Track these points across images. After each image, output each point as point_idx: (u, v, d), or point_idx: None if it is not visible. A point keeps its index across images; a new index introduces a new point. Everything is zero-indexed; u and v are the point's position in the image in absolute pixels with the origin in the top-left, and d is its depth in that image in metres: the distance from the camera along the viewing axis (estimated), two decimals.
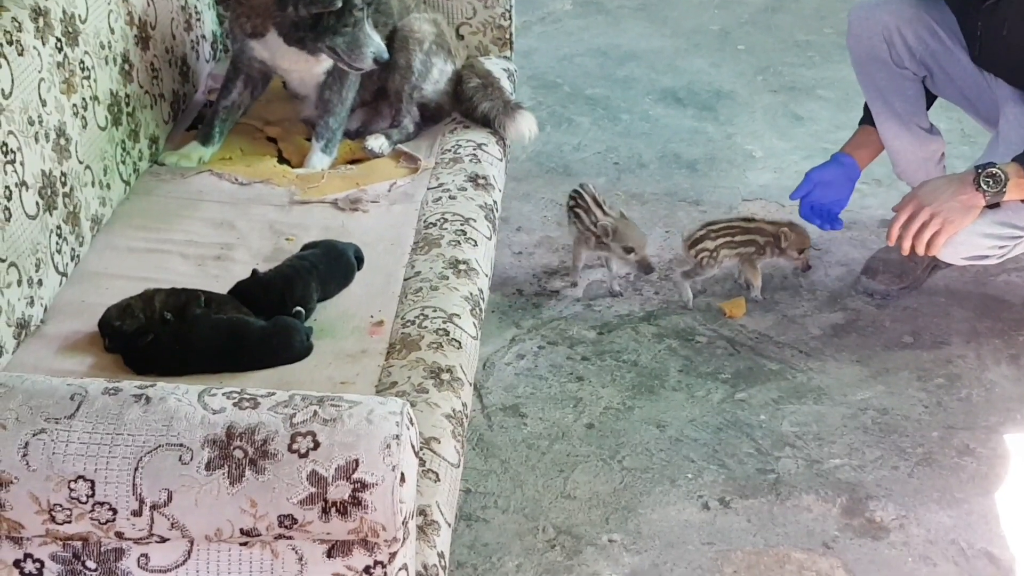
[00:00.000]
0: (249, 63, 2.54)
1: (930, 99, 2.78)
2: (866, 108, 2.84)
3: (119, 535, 1.33)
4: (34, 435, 1.31)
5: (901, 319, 2.73)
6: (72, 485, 1.30)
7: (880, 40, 2.66)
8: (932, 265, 2.80)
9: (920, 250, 2.43)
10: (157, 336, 1.88)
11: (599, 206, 2.74)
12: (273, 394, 1.37)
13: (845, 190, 2.77)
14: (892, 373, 2.56)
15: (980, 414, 2.44)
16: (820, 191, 2.75)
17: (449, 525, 1.66)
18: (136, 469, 1.30)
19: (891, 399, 2.48)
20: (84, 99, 2.14)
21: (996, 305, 2.77)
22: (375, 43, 2.40)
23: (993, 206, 2.38)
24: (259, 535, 1.33)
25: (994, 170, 2.34)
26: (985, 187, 2.35)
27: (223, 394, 1.36)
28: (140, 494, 1.30)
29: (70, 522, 1.32)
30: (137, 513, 1.30)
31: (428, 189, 2.43)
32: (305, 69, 2.53)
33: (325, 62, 2.51)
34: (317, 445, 1.30)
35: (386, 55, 2.43)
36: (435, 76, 2.66)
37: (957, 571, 2.07)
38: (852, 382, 2.53)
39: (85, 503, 1.30)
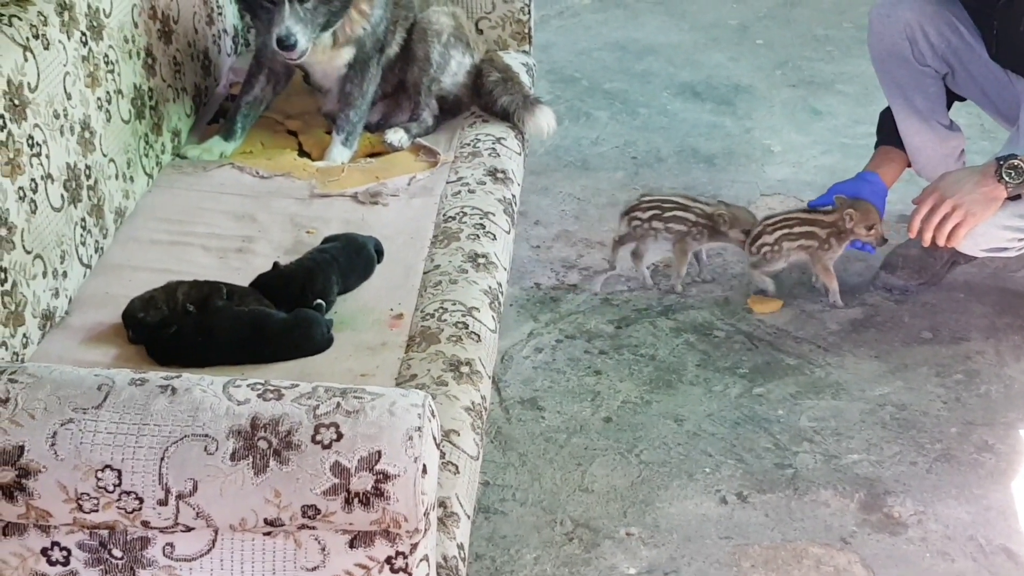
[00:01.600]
0: (272, 57, 2.55)
1: (951, 98, 2.78)
2: (881, 127, 2.84)
3: (145, 524, 1.35)
4: (62, 425, 1.33)
5: (920, 314, 2.73)
6: (99, 474, 1.32)
7: (902, 38, 2.65)
8: (952, 260, 2.79)
9: (941, 242, 2.43)
10: (180, 328, 1.89)
11: (694, 201, 2.76)
12: (297, 386, 1.38)
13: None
14: (911, 368, 2.56)
15: (999, 410, 2.44)
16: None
17: (469, 517, 1.67)
18: (162, 459, 1.31)
19: (909, 395, 2.48)
20: (108, 93, 2.16)
21: (1016, 301, 2.77)
22: (283, 26, 2.33)
23: (1014, 198, 2.38)
24: (283, 525, 1.35)
25: (1016, 161, 2.35)
26: (1007, 178, 2.35)
27: (247, 385, 1.37)
28: (166, 484, 1.31)
29: (97, 511, 1.34)
30: (163, 503, 1.32)
31: (447, 183, 2.44)
32: (326, 61, 2.54)
33: (346, 54, 2.53)
34: (340, 436, 1.32)
35: (292, 39, 2.34)
36: (453, 68, 2.67)
37: (975, 567, 2.07)
38: (870, 377, 2.53)
39: (112, 492, 1.32)
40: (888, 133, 2.82)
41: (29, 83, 1.87)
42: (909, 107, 2.72)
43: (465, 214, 2.31)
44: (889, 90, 2.76)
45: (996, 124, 3.02)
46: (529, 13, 2.98)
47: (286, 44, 2.35)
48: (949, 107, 2.79)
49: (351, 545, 1.38)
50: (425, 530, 1.38)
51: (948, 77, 2.71)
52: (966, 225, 2.39)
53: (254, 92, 2.59)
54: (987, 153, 3.28)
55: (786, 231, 2.69)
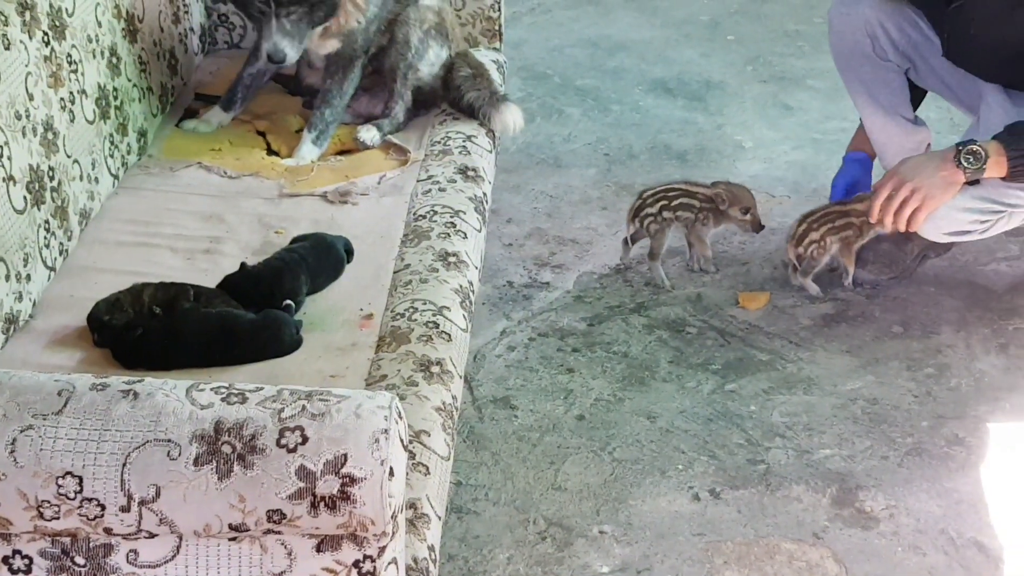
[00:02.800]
0: None
1: (919, 94, 2.80)
2: None
3: (108, 531, 1.33)
4: (22, 431, 1.31)
5: (891, 309, 2.73)
6: (60, 481, 1.30)
7: (863, 35, 2.67)
8: (922, 254, 2.81)
9: (901, 226, 2.46)
10: (146, 330, 1.88)
11: (695, 185, 2.78)
12: (261, 389, 1.36)
13: (866, 183, 2.82)
14: (882, 363, 2.56)
15: (969, 403, 2.45)
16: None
17: (439, 518, 1.66)
18: (124, 465, 1.29)
19: (881, 389, 2.49)
20: (72, 93, 2.13)
21: (985, 295, 2.78)
22: (271, 42, 2.42)
23: (973, 183, 2.40)
24: (248, 530, 1.33)
25: (975, 147, 2.37)
26: (966, 164, 2.37)
27: (211, 389, 1.36)
28: (128, 490, 1.30)
29: (58, 518, 1.32)
30: (125, 509, 1.30)
31: (418, 181, 2.43)
32: (317, 44, 2.56)
33: (332, 42, 2.54)
34: (305, 440, 1.30)
35: (280, 55, 2.43)
36: (431, 59, 2.67)
37: (947, 560, 2.08)
38: (842, 372, 2.54)
39: (73, 499, 1.30)
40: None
41: None
42: (874, 103, 2.74)
43: (436, 212, 2.30)
44: (852, 88, 2.78)
45: (965, 119, 3.03)
46: (500, 10, 2.97)
47: (275, 59, 2.44)
48: (917, 104, 2.80)
49: (318, 549, 1.36)
50: (393, 533, 1.37)
51: (911, 71, 2.72)
52: (925, 208, 2.42)
53: (257, 65, 2.62)
54: None
55: (829, 225, 2.70)
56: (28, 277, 1.92)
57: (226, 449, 1.30)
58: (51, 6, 2.09)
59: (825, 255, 2.72)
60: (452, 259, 2.15)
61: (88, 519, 1.32)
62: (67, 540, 1.36)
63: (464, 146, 2.56)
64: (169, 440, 1.30)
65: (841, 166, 2.91)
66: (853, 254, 2.74)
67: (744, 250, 2.92)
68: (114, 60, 2.33)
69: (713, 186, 2.78)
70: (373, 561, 1.37)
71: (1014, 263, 2.88)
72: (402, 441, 1.36)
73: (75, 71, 2.15)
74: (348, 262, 2.14)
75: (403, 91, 2.65)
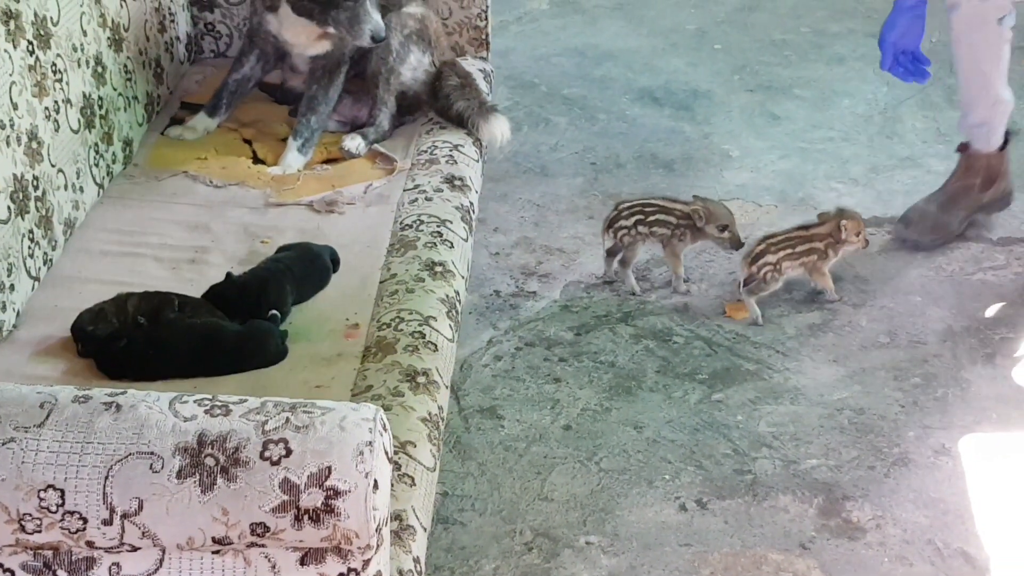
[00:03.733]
0: (264, 37, 2.61)
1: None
2: None
3: (90, 544, 1.32)
4: (3, 444, 1.30)
5: (877, 319, 2.74)
6: (42, 494, 1.29)
7: None
8: (970, 219, 2.85)
9: None
10: (130, 341, 1.86)
11: (673, 201, 2.79)
12: (245, 401, 1.36)
13: (918, 27, 2.75)
14: (868, 373, 2.56)
15: (956, 413, 2.45)
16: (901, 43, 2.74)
17: (425, 530, 1.65)
18: (106, 478, 1.28)
19: (867, 399, 2.49)
20: (56, 102, 2.12)
21: (972, 304, 2.79)
22: (374, 21, 2.47)
23: None
24: (231, 543, 1.32)
25: None
26: None
27: (194, 401, 1.35)
28: (111, 503, 1.29)
29: (40, 531, 1.31)
30: (108, 522, 1.29)
31: (404, 191, 2.42)
32: (306, 45, 2.57)
33: (324, 43, 2.55)
34: (289, 452, 1.29)
35: (383, 33, 2.49)
36: (412, 63, 2.67)
37: (933, 571, 2.08)
38: (829, 382, 2.54)
39: (55, 512, 1.29)
40: None
41: None
42: None
43: (422, 222, 2.29)
44: None
45: (951, 127, 3.04)
46: (487, 19, 2.96)
47: (379, 38, 2.48)
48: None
49: (302, 562, 1.35)
50: (378, 546, 1.36)
51: None
52: None
53: (243, 71, 2.64)
54: (943, 156, 3.31)
55: (788, 251, 2.71)
56: (12, 287, 1.91)
57: (209, 462, 1.29)
58: (36, 15, 2.08)
59: (778, 280, 2.71)
60: (439, 269, 2.15)
61: (70, 532, 1.30)
62: (49, 553, 1.35)
63: (451, 155, 2.55)
64: (152, 453, 1.29)
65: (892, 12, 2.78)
66: (826, 274, 2.74)
67: (731, 259, 2.92)
68: (99, 69, 2.32)
69: (692, 202, 2.78)
70: (358, 574, 1.36)
71: (1000, 272, 2.88)
72: (387, 453, 1.35)
73: (60, 80, 2.14)
74: (334, 272, 2.13)
75: (386, 97, 2.65)
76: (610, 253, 2.83)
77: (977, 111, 2.93)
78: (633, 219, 2.76)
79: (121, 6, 2.45)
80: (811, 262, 2.73)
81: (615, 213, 2.79)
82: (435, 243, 2.22)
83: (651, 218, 2.76)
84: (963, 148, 3.01)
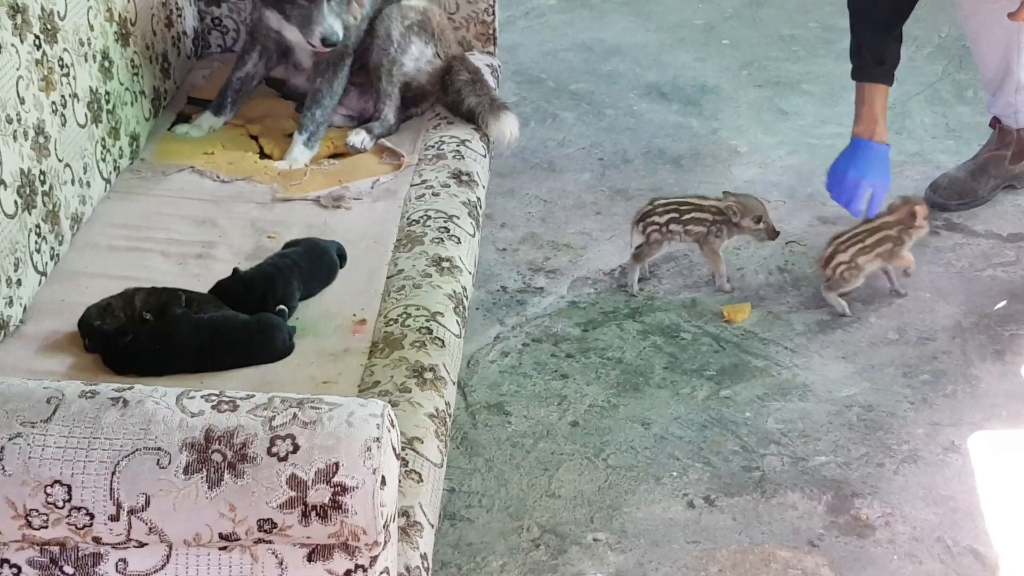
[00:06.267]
0: (266, 33, 2.61)
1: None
2: (859, 63, 2.78)
3: (96, 540, 1.32)
4: (10, 439, 1.29)
5: (886, 315, 2.73)
6: (48, 490, 1.28)
7: None
8: (998, 187, 2.93)
9: None
10: (137, 336, 1.86)
11: (705, 199, 2.77)
12: (252, 396, 1.35)
13: (885, 175, 2.77)
14: (877, 369, 2.55)
15: (966, 410, 2.44)
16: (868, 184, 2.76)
17: (432, 526, 1.64)
18: (113, 474, 1.28)
19: (876, 396, 2.48)
20: (63, 96, 2.12)
21: (981, 301, 2.77)
22: (326, 24, 2.45)
23: None
24: (238, 540, 1.32)
25: None
26: None
27: (201, 397, 1.34)
28: (117, 499, 1.28)
29: (47, 527, 1.30)
30: (114, 518, 1.29)
31: (411, 186, 2.42)
32: (305, 40, 2.55)
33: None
34: (296, 448, 1.29)
35: (336, 38, 2.46)
36: (415, 53, 2.66)
37: (943, 568, 2.07)
38: (837, 379, 2.53)
39: (62, 508, 1.29)
40: (866, 68, 2.78)
41: None
42: None
43: (429, 217, 2.29)
44: None
45: (962, 123, 3.04)
46: (494, 14, 2.96)
47: (330, 42, 2.46)
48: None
49: (309, 559, 1.35)
50: (385, 542, 1.36)
51: None
52: None
53: (247, 68, 2.64)
54: (952, 151, 3.30)
55: (860, 245, 2.69)
56: (19, 282, 1.91)
57: (216, 457, 1.28)
58: (43, 9, 2.07)
59: (858, 277, 2.69)
60: (446, 264, 2.14)
61: (77, 528, 1.30)
62: (56, 549, 1.34)
63: (458, 150, 2.55)
64: (159, 448, 1.29)
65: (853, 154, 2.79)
66: (906, 256, 2.73)
67: (738, 255, 2.91)
68: (106, 64, 2.32)
69: (724, 197, 2.76)
70: (365, 571, 1.36)
71: (1010, 268, 2.87)
72: (394, 449, 1.35)
73: (67, 75, 2.14)
74: (341, 267, 2.13)
75: (390, 89, 2.64)
76: (637, 258, 2.78)
77: (1002, 96, 2.97)
78: (667, 216, 2.74)
79: (128, 1, 2.45)
80: (887, 251, 2.70)
81: (649, 207, 2.77)
82: (442, 239, 2.22)
83: (686, 216, 2.74)
84: (995, 123, 3.07)
